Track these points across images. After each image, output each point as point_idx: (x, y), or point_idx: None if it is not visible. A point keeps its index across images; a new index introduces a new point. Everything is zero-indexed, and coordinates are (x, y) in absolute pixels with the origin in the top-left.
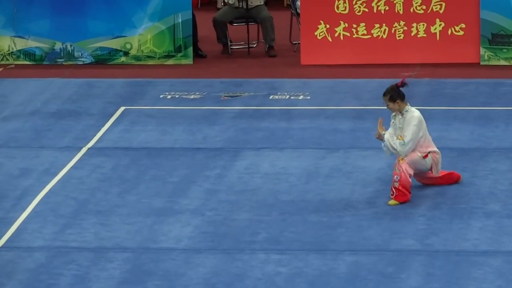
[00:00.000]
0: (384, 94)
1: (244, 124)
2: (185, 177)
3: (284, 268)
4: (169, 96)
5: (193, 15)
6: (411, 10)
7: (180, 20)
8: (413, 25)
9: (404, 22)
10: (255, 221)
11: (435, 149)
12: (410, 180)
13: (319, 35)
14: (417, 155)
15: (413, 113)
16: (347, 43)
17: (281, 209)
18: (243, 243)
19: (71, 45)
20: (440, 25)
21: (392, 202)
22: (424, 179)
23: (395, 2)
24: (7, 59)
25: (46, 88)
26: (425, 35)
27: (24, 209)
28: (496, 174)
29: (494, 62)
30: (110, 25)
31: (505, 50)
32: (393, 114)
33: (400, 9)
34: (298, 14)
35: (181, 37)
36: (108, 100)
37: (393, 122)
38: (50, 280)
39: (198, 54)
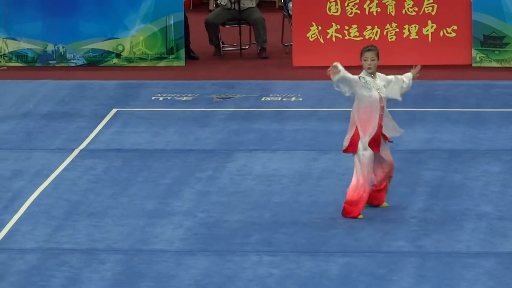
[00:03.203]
0: (372, 50)
1: (236, 126)
2: (177, 179)
3: (276, 269)
4: (161, 98)
5: (185, 17)
6: (403, 12)
7: (172, 22)
8: (405, 27)
9: (396, 24)
10: (247, 223)
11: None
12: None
13: (311, 37)
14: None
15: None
16: (339, 45)
17: (273, 211)
18: (235, 244)
19: (63, 47)
20: (432, 26)
21: (384, 204)
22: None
23: (387, 4)
24: None
25: (38, 90)
26: (417, 37)
27: (16, 211)
28: (488, 176)
29: (486, 64)
30: (102, 26)
31: (497, 52)
32: (361, 75)
33: (392, 11)
34: (290, 16)
35: (173, 39)
36: (100, 101)
37: (368, 88)
38: (42, 282)
39: (190, 56)
